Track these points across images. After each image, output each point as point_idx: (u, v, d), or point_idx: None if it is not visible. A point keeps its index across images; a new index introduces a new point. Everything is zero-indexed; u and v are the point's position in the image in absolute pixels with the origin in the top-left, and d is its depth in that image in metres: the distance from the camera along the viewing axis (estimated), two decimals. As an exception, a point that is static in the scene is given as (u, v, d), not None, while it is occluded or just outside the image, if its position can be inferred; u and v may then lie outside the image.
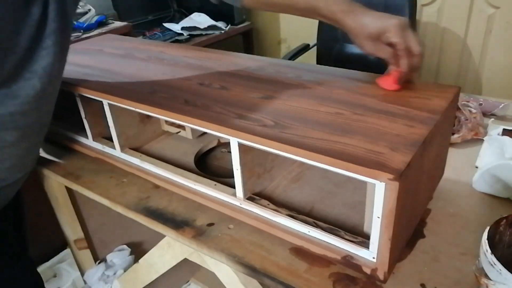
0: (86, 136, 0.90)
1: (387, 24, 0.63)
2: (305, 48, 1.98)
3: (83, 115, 0.87)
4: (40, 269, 1.45)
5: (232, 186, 0.68)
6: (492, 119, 0.95)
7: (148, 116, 0.88)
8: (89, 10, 1.85)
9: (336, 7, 0.67)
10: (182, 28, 2.19)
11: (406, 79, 0.66)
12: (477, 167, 0.79)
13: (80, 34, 1.73)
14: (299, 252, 0.62)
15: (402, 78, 0.66)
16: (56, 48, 0.64)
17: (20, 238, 0.89)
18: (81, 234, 1.30)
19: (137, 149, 0.86)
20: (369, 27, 0.64)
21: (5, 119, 0.63)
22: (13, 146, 0.67)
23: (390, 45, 0.63)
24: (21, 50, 0.60)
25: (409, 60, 0.63)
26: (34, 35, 0.60)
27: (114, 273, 1.39)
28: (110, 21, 1.95)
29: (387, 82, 0.67)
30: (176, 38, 2.14)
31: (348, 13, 0.66)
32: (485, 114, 0.96)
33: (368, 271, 0.55)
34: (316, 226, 0.60)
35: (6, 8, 0.55)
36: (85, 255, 1.36)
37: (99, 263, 1.41)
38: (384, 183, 0.47)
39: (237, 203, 0.68)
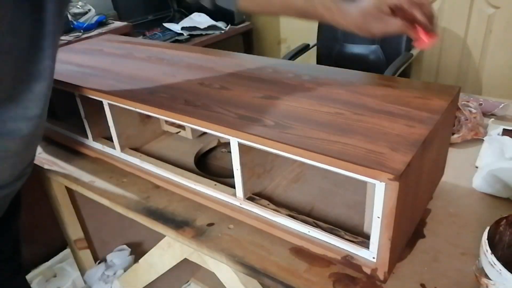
0: (86, 136, 0.90)
1: None
2: (305, 48, 1.98)
3: (83, 115, 0.87)
4: (40, 269, 1.45)
5: (232, 186, 0.68)
6: (492, 119, 0.95)
7: (148, 116, 0.88)
8: (89, 10, 1.85)
9: (332, 4, 0.65)
10: (182, 28, 2.19)
11: (431, 30, 0.62)
12: (477, 167, 0.79)
13: (80, 34, 1.73)
14: (299, 252, 0.62)
15: (430, 28, 0.62)
16: (53, 49, 0.63)
17: (17, 255, 0.87)
18: (81, 234, 1.30)
19: (137, 149, 0.86)
20: (366, 9, 0.62)
21: (12, 127, 0.61)
22: (17, 156, 0.65)
23: (397, 9, 0.61)
24: (23, 52, 0.59)
25: (421, 10, 0.59)
26: (32, 36, 0.60)
27: (114, 273, 1.39)
28: (110, 21, 1.95)
29: (421, 41, 0.63)
30: (176, 38, 2.14)
31: (343, 9, 0.64)
32: (485, 114, 0.96)
33: (368, 271, 0.55)
34: (316, 226, 0.60)
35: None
36: (85, 255, 1.36)
37: (99, 263, 1.41)
38: (384, 183, 0.47)
39: (237, 203, 0.68)
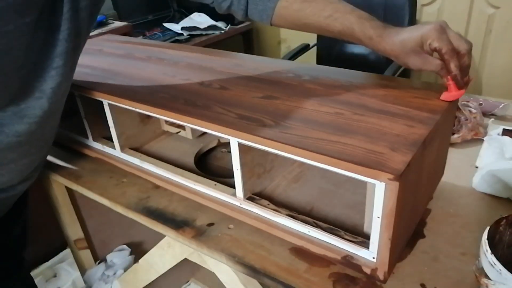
0: (86, 136, 0.90)
1: (424, 31, 0.59)
2: (305, 48, 1.98)
3: (83, 115, 0.87)
4: (40, 269, 1.45)
5: (232, 186, 0.68)
6: (492, 119, 0.95)
7: (148, 116, 0.88)
8: (89, 10, 1.85)
9: (372, 32, 0.63)
10: (182, 28, 2.19)
11: (464, 82, 0.61)
12: (477, 167, 0.79)
13: (80, 34, 1.73)
14: (299, 252, 0.62)
15: (459, 82, 0.60)
16: (66, 68, 0.62)
17: (19, 251, 0.88)
18: (81, 234, 1.30)
19: (137, 149, 0.86)
20: (407, 42, 0.60)
21: (11, 138, 0.61)
22: (13, 163, 0.65)
23: (436, 52, 0.59)
24: (31, 66, 0.58)
25: (458, 61, 0.59)
26: (42, 53, 0.59)
27: (114, 273, 1.39)
28: (110, 21, 1.95)
29: (448, 94, 0.62)
30: (176, 38, 2.14)
31: (384, 36, 0.62)
32: (485, 114, 0.96)
33: (368, 271, 0.55)
34: (316, 226, 0.60)
35: (19, 22, 0.53)
36: (85, 255, 1.36)
37: (99, 263, 1.41)
38: (384, 183, 0.47)
39: (237, 203, 0.68)
